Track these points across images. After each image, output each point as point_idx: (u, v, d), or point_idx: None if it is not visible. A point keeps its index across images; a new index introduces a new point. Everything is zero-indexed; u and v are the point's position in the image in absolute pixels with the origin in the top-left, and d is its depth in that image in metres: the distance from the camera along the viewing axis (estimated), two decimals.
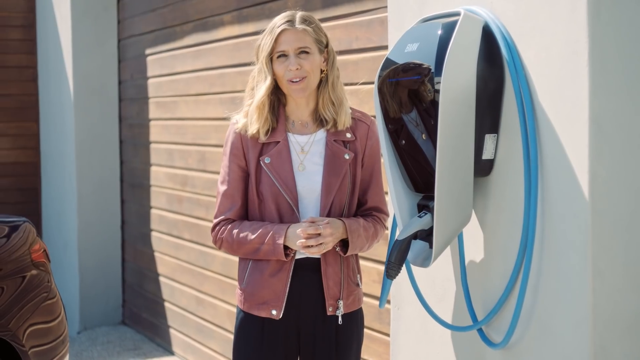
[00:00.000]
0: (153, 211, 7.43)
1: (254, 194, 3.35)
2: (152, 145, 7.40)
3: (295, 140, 3.37)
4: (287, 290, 3.32)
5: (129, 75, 7.89)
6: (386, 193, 3.68)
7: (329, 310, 3.34)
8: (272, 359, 3.35)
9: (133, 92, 7.80)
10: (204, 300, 6.53)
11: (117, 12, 8.04)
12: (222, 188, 3.40)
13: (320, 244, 3.20)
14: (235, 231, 3.33)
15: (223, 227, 3.37)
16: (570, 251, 2.84)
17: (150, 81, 7.39)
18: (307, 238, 3.19)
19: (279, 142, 3.33)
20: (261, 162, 3.32)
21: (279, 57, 3.31)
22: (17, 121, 8.90)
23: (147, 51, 7.42)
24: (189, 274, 6.76)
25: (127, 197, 8.02)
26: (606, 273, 2.80)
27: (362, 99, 4.57)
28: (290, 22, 3.31)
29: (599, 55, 2.77)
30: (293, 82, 3.30)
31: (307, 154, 3.37)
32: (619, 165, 2.82)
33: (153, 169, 7.39)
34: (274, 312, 3.32)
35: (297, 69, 3.28)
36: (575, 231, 2.82)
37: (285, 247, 3.27)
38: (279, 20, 3.32)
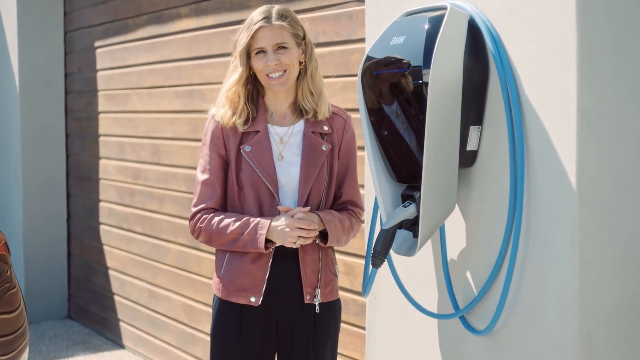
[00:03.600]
0: (102, 204, 7.39)
1: (234, 182, 3.38)
2: (101, 138, 7.36)
3: (275, 132, 3.41)
4: (267, 277, 3.35)
5: (76, 67, 7.83)
6: (361, 186, 3.73)
7: (307, 299, 3.38)
8: (250, 347, 3.38)
9: (80, 85, 7.74)
10: (157, 293, 6.51)
11: (64, 4, 7.98)
12: (202, 177, 3.42)
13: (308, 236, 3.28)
14: (215, 220, 3.36)
15: (204, 217, 3.39)
16: (558, 240, 2.91)
17: (100, 74, 7.34)
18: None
19: (258, 131, 3.38)
20: (241, 151, 3.35)
21: (257, 53, 3.35)
22: None
23: (97, 44, 7.37)
24: (141, 267, 6.74)
25: (74, 191, 7.96)
26: (593, 261, 2.88)
27: (329, 91, 4.61)
28: (267, 18, 3.34)
29: (587, 49, 2.85)
30: (271, 77, 3.35)
31: (286, 144, 3.41)
32: (606, 156, 2.90)
33: (102, 162, 7.35)
34: (252, 299, 3.35)
35: (276, 64, 3.33)
36: (562, 221, 2.90)
37: (266, 241, 3.30)
38: (256, 17, 3.36)
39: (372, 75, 3.27)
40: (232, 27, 5.41)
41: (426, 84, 3.01)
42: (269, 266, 3.35)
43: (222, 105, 3.41)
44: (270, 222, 3.29)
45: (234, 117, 3.37)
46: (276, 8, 3.37)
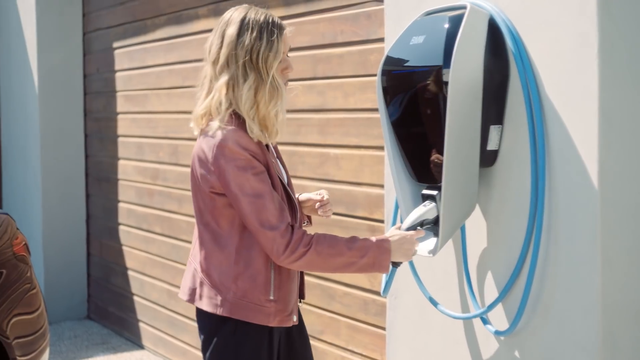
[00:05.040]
0: (121, 205, 7.40)
1: None
2: (120, 139, 7.38)
3: None
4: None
5: (94, 68, 7.85)
6: (381, 186, 3.72)
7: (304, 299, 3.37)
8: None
9: (99, 86, 7.76)
10: (176, 293, 6.52)
11: (83, 5, 8.00)
12: (265, 196, 3.05)
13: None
14: (324, 242, 3.06)
15: (306, 237, 3.06)
16: (580, 240, 2.90)
17: (118, 74, 7.36)
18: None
19: (268, 145, 3.20)
20: (270, 164, 3.14)
21: None
22: None
23: (115, 44, 7.38)
24: (160, 268, 6.75)
25: (93, 191, 7.98)
26: (615, 261, 2.87)
27: (347, 91, 4.61)
28: (280, 22, 3.16)
29: (609, 48, 2.84)
30: (287, 83, 3.20)
31: (276, 160, 3.27)
32: (628, 155, 2.89)
33: (121, 162, 7.37)
34: (295, 318, 3.22)
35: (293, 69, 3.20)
36: (584, 220, 2.89)
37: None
38: (274, 19, 3.15)
39: (391, 75, 3.27)
40: None
41: (446, 83, 3.01)
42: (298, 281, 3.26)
43: (259, 126, 3.11)
44: (390, 241, 3.09)
45: (268, 139, 3.16)
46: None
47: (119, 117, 7.38)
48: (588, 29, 2.85)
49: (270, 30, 3.09)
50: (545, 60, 3.01)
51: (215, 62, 3.13)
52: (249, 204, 3.04)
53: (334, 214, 4.67)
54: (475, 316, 3.29)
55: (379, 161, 4.28)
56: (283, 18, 5.11)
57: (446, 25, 3.09)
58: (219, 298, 3.14)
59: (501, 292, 3.18)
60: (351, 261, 3.05)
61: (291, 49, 5.04)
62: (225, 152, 3.04)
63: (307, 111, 4.90)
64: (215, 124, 3.08)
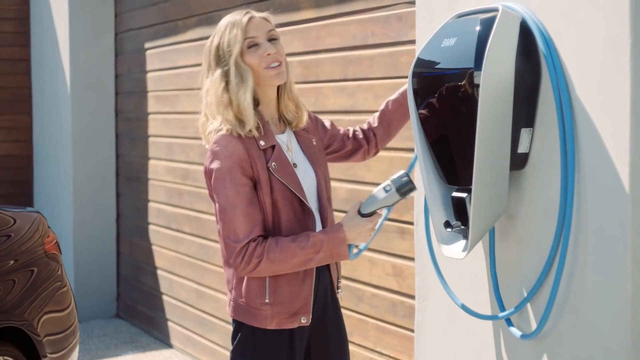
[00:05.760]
0: (151, 204, 7.44)
1: (268, 204, 3.15)
2: (151, 139, 7.42)
3: (280, 140, 3.26)
4: (312, 294, 3.24)
5: (126, 68, 7.90)
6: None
7: (338, 292, 3.37)
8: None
9: (130, 86, 7.81)
10: (204, 293, 6.55)
11: (115, 5, 8.06)
12: (236, 209, 3.11)
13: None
14: (274, 247, 3.10)
15: (257, 247, 3.09)
16: (610, 243, 2.89)
17: (149, 75, 7.40)
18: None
19: (274, 145, 3.19)
20: (270, 169, 3.14)
21: (250, 47, 3.15)
22: (10, 114, 8.90)
23: (146, 45, 7.43)
24: (189, 267, 6.78)
25: (123, 191, 8.03)
26: None
27: (377, 93, 4.62)
28: (249, 12, 3.20)
29: None
30: (272, 67, 3.17)
31: (292, 151, 3.29)
32: None
33: (151, 162, 7.41)
34: (303, 319, 3.22)
35: (275, 52, 3.18)
36: (615, 224, 2.88)
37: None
38: (238, 15, 3.18)
39: (422, 77, 3.27)
40: (282, 28, 5.42)
41: (477, 86, 3.00)
42: (314, 283, 3.24)
43: (229, 121, 3.15)
44: (343, 229, 3.14)
45: (251, 128, 3.15)
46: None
47: (150, 117, 7.42)
48: (620, 32, 2.84)
49: (232, 23, 3.16)
50: (577, 62, 3.00)
51: (205, 73, 3.25)
52: (220, 211, 3.14)
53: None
54: (497, 317, 3.28)
55: (409, 163, 4.28)
56: (314, 19, 5.13)
57: (478, 28, 3.09)
58: (230, 300, 3.28)
59: (528, 294, 3.17)
60: (307, 258, 3.12)
61: (322, 50, 5.06)
62: (212, 156, 3.14)
63: (337, 112, 4.91)
64: (215, 126, 3.20)
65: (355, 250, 3.32)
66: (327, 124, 3.56)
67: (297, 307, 3.20)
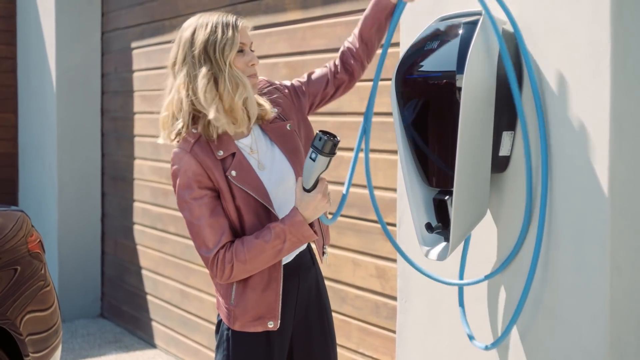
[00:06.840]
0: (136, 204, 7.44)
1: (232, 211, 3.15)
2: (137, 139, 7.42)
3: (242, 144, 3.22)
4: (280, 300, 3.23)
5: (112, 68, 7.89)
6: (393, 189, 3.73)
7: (322, 259, 3.37)
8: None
9: (116, 85, 7.80)
10: (189, 293, 6.56)
11: (101, 5, 8.05)
12: (202, 219, 3.12)
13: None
14: (241, 248, 3.11)
15: (225, 253, 3.12)
16: (589, 246, 2.92)
17: (136, 74, 7.40)
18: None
19: (234, 153, 3.16)
20: (229, 177, 3.13)
21: (237, 52, 3.13)
22: None
23: (133, 44, 7.43)
24: (174, 267, 6.78)
25: (108, 190, 8.02)
26: (623, 267, 2.89)
27: (362, 95, 4.63)
28: (236, 16, 3.18)
29: (621, 55, 2.85)
30: (252, 76, 3.17)
31: (258, 152, 3.24)
32: (639, 162, 2.90)
33: (137, 162, 7.41)
34: (270, 324, 3.22)
35: (257, 63, 3.19)
36: (594, 227, 2.90)
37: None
38: (229, 16, 3.17)
39: (405, 80, 3.29)
40: (267, 29, 5.44)
41: (459, 89, 3.02)
42: (281, 288, 3.23)
43: (220, 119, 3.11)
44: (299, 211, 3.12)
45: (240, 130, 3.17)
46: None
47: (136, 116, 7.42)
48: (600, 36, 2.87)
49: (225, 24, 3.12)
50: (558, 66, 3.02)
51: (173, 65, 3.19)
52: (188, 227, 3.18)
53: (347, 217, 4.69)
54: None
55: (392, 165, 4.30)
56: (300, 21, 5.14)
57: (460, 31, 3.11)
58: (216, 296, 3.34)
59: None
60: (276, 250, 3.11)
61: (308, 52, 5.07)
62: (172, 177, 3.16)
63: (322, 114, 4.91)
64: (179, 129, 3.17)
65: (329, 216, 3.28)
66: (303, 80, 3.46)
67: (262, 312, 3.21)
